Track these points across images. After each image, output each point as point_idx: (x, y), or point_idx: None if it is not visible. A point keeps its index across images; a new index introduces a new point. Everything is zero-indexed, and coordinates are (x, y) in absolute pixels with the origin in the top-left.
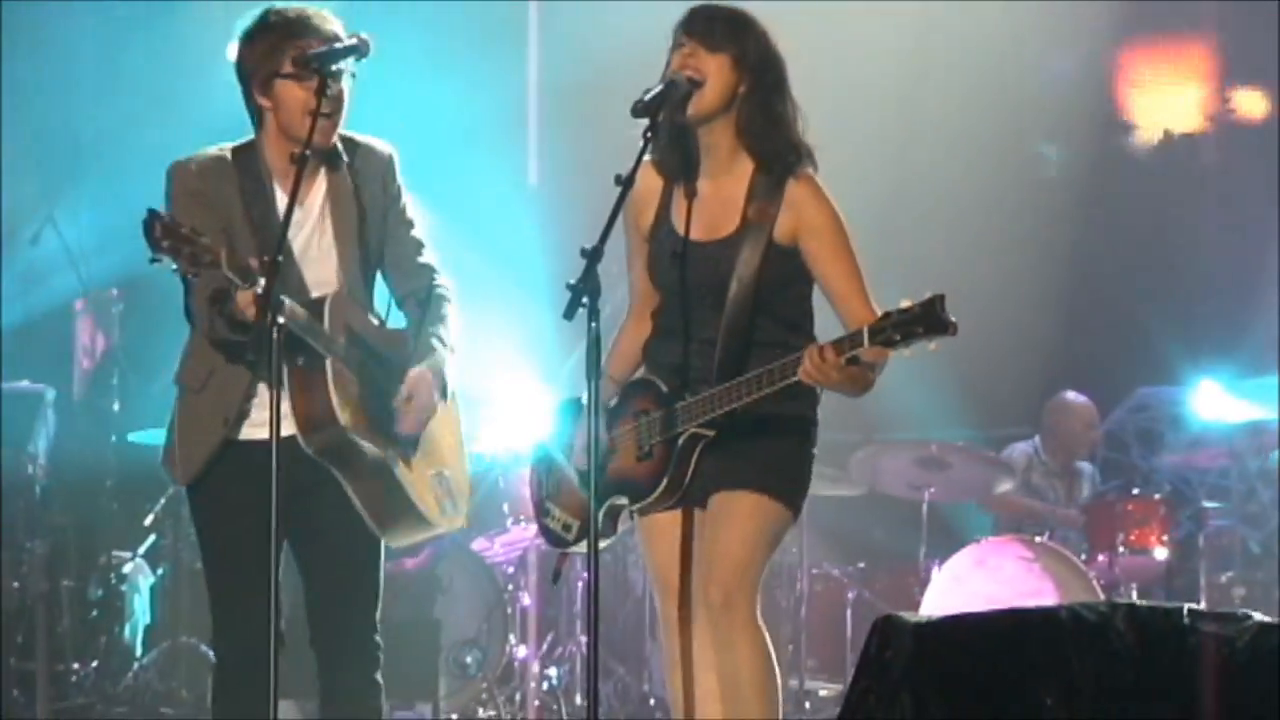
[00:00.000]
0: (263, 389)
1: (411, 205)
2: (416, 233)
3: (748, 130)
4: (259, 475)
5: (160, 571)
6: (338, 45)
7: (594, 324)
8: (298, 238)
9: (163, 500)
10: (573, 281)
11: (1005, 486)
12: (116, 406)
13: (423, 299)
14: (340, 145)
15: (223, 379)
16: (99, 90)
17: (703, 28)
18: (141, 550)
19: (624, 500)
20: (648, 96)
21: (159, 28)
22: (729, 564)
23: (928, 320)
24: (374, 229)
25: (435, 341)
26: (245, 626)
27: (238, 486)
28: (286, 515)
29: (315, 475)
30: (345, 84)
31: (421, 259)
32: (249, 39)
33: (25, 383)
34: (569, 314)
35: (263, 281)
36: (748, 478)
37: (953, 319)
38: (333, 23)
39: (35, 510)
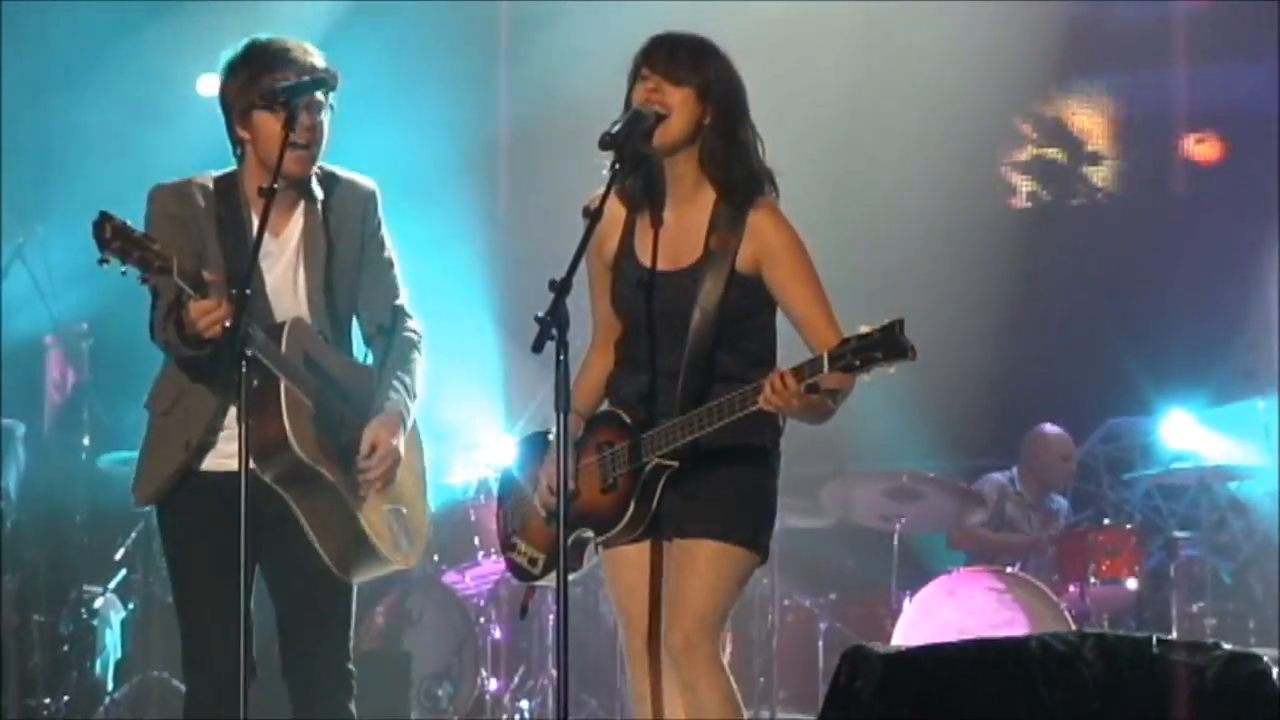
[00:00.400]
0: (229, 420)
1: (390, 246)
2: (393, 274)
3: (711, 160)
4: (224, 506)
5: (131, 606)
6: (305, 79)
7: (563, 357)
8: (272, 269)
9: (133, 534)
10: (541, 314)
11: (976, 518)
12: (87, 441)
13: (390, 341)
14: (320, 180)
15: (189, 404)
16: (70, 120)
17: (666, 60)
18: (112, 585)
19: (589, 533)
20: (614, 129)
21: (132, 53)
22: (690, 612)
23: (887, 345)
24: (346, 265)
25: (398, 385)
26: (215, 657)
27: (203, 517)
28: (256, 546)
29: (282, 506)
30: (322, 117)
31: (395, 300)
32: (229, 71)
33: None
34: (537, 347)
35: (214, 295)
36: (710, 525)
37: (912, 343)
38: (314, 55)
39: (5, 545)
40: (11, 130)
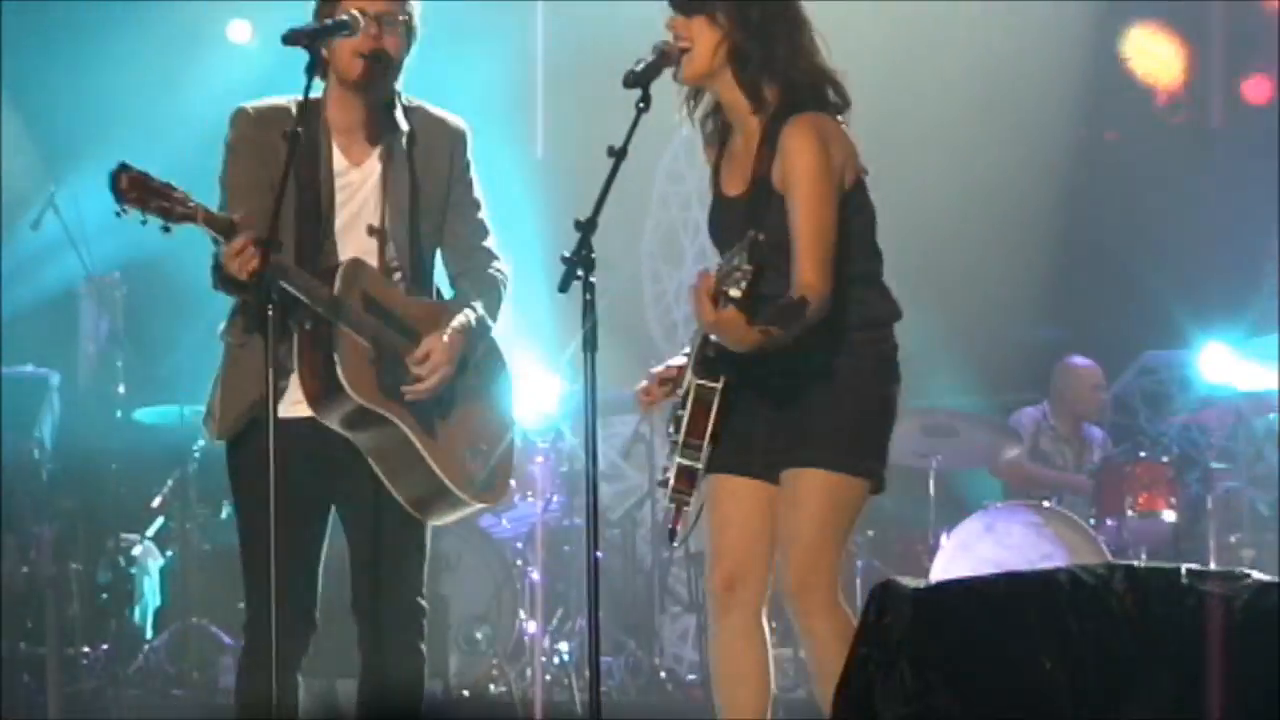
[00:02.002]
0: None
1: (478, 187)
2: (480, 215)
3: (744, 79)
4: (293, 450)
5: (169, 553)
6: (328, 22)
7: (589, 296)
8: (349, 201)
9: (170, 482)
10: (567, 254)
11: (1013, 452)
12: (121, 389)
13: (474, 279)
14: (406, 113)
15: (261, 340)
16: (101, 69)
17: None
18: (150, 532)
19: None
20: (638, 67)
21: (162, 8)
22: (799, 548)
23: (741, 257)
24: (432, 204)
25: (470, 311)
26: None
27: (280, 459)
28: (329, 490)
29: (354, 448)
30: (397, 37)
31: (481, 241)
32: None
33: (29, 367)
34: (564, 287)
35: (243, 237)
36: (810, 454)
37: (803, 320)
38: None
39: (42, 495)
40: (45, 78)
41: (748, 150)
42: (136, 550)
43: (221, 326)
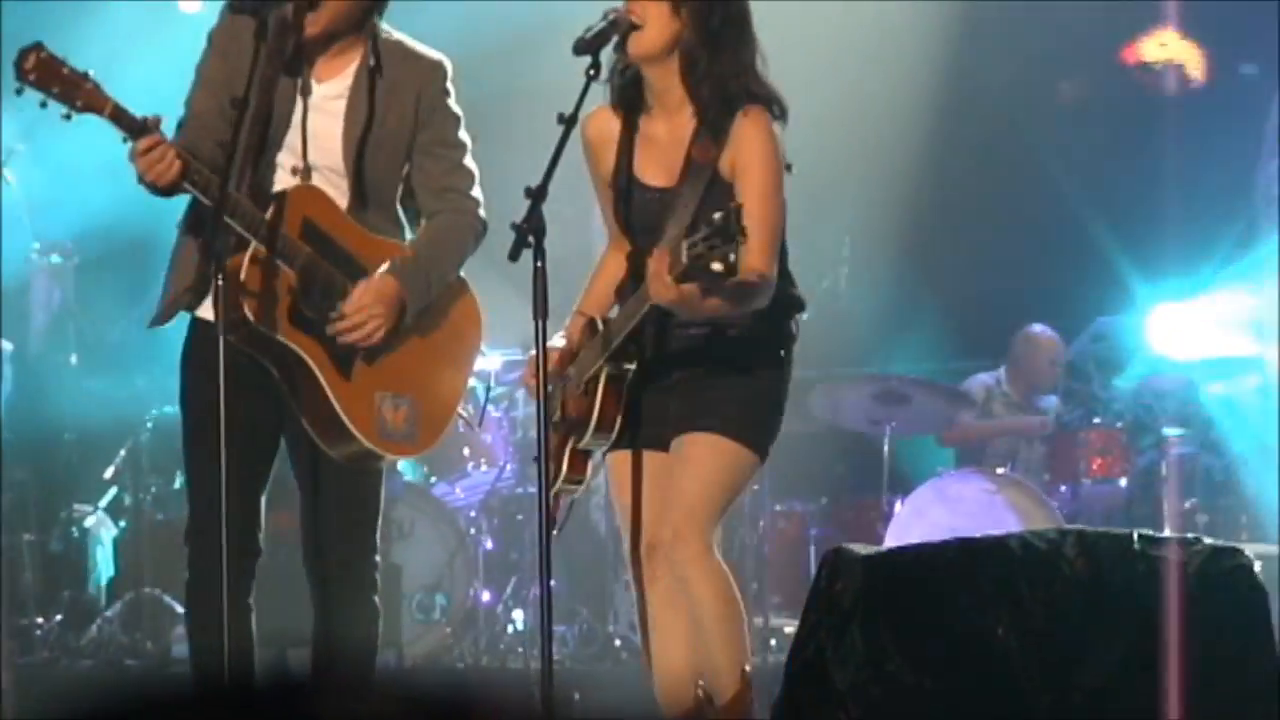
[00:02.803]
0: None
1: (459, 129)
2: (457, 156)
3: (689, 74)
4: (242, 369)
5: (122, 524)
6: None
7: (539, 263)
8: (304, 120)
9: (122, 452)
10: (517, 222)
11: (966, 418)
12: (74, 359)
13: (441, 221)
14: (381, 43)
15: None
16: (53, 39)
17: None
18: (103, 503)
19: (575, 439)
20: (588, 34)
21: None
22: (681, 503)
23: (723, 230)
24: (394, 139)
25: (412, 259)
26: (214, 530)
27: (213, 372)
28: (279, 416)
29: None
30: None
31: (456, 183)
32: None
33: None
34: (514, 255)
35: (153, 136)
36: (708, 420)
37: (741, 226)
38: None
39: None
40: None
41: (674, 139)
42: (89, 521)
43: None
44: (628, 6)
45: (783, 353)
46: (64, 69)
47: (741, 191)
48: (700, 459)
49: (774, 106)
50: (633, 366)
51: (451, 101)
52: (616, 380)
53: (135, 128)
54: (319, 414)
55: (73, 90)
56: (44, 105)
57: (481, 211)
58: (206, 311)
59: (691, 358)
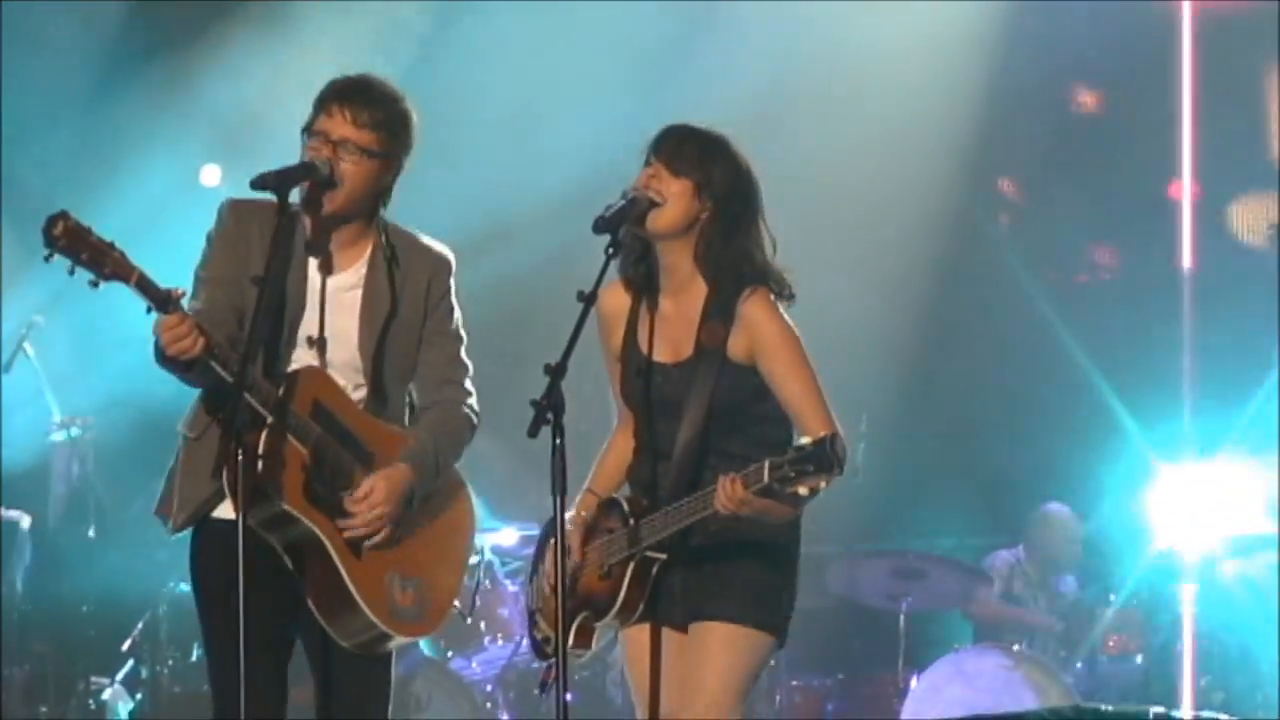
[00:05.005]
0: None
1: (458, 321)
2: (456, 348)
3: (704, 255)
4: (256, 553)
5: (139, 696)
6: (293, 166)
7: (559, 440)
8: (321, 303)
9: (140, 625)
10: (536, 399)
11: (983, 595)
12: (92, 532)
13: (441, 412)
14: (390, 235)
15: (217, 432)
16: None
17: (671, 150)
18: (120, 676)
19: (590, 616)
20: (609, 212)
21: (138, 148)
22: (704, 699)
23: (818, 459)
24: (406, 328)
25: (422, 445)
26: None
27: (230, 566)
28: (295, 610)
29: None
30: (354, 163)
31: (454, 376)
32: (316, 101)
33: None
34: (533, 432)
35: (178, 312)
36: (725, 608)
37: (840, 458)
38: (374, 101)
39: (12, 637)
40: (15, 216)
41: (682, 316)
42: (106, 694)
43: (181, 421)
44: (649, 184)
45: (791, 529)
46: (91, 236)
47: (772, 373)
48: (719, 651)
49: (778, 287)
50: (664, 557)
51: (454, 295)
52: (646, 567)
53: (160, 299)
54: (330, 593)
55: (100, 257)
56: (72, 272)
57: (476, 405)
58: (221, 511)
59: (701, 539)
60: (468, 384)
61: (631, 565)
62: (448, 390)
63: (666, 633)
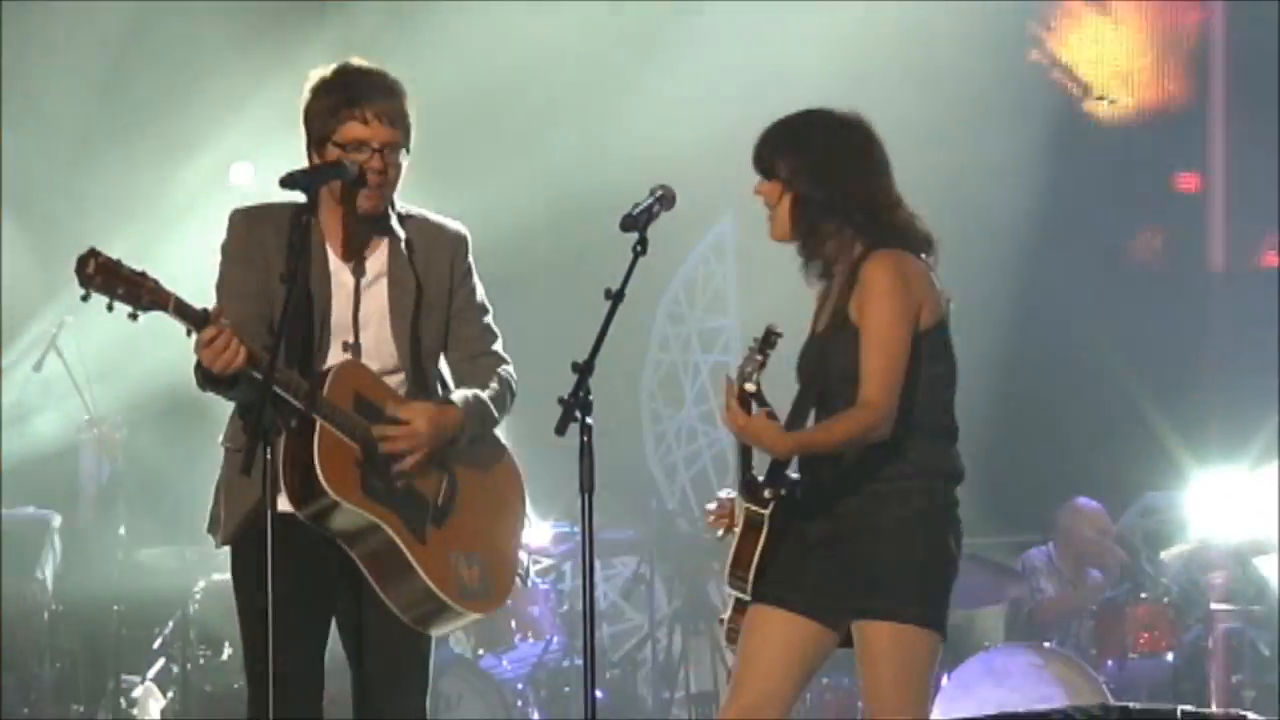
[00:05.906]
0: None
1: (481, 293)
2: (485, 320)
3: (817, 249)
4: (291, 550)
5: (170, 694)
6: (323, 166)
7: (585, 438)
8: (356, 300)
9: (171, 623)
10: (564, 396)
11: (1014, 593)
12: (122, 531)
13: (480, 379)
14: (402, 220)
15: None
16: (104, 210)
17: (754, 157)
18: (151, 674)
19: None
20: (635, 211)
21: (167, 142)
22: (880, 708)
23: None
24: (435, 308)
25: (467, 396)
26: (278, 704)
27: (276, 557)
28: (329, 595)
29: (347, 561)
30: (395, 157)
31: (489, 346)
32: (315, 92)
33: (30, 509)
34: (561, 429)
35: (215, 328)
36: (880, 602)
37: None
38: (399, 98)
39: (43, 636)
40: (49, 211)
41: (838, 291)
42: (137, 692)
43: (221, 434)
44: (758, 194)
45: (926, 516)
46: (123, 270)
47: (861, 329)
48: (885, 656)
49: (913, 237)
50: (766, 511)
51: (474, 267)
52: (753, 522)
53: (198, 320)
54: (400, 582)
55: (136, 290)
56: (110, 308)
57: (513, 371)
58: (286, 505)
59: (824, 523)
60: (501, 350)
61: (742, 516)
62: (485, 360)
63: (782, 615)
